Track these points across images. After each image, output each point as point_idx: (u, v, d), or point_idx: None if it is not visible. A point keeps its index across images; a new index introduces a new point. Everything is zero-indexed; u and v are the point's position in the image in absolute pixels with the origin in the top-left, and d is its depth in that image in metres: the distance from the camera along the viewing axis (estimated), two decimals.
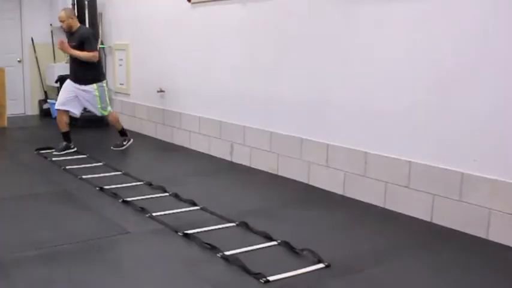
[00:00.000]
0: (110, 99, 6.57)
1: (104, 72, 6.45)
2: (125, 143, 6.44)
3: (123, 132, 6.48)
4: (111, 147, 6.36)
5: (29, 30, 9.19)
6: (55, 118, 8.86)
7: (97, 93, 6.08)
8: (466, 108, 3.66)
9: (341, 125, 4.58)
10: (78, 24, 6.17)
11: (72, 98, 6.11)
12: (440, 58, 3.79)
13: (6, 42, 9.07)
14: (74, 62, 6.09)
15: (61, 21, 6.06)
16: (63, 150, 6.15)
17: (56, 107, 6.20)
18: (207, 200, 4.31)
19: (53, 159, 5.85)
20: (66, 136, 6.30)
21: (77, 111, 6.28)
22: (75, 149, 6.22)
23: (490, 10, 3.51)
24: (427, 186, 3.92)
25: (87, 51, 5.94)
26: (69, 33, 6.09)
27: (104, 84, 6.20)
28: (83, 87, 6.06)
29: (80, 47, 5.94)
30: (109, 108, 6.30)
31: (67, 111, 6.23)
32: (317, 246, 3.31)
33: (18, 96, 9.22)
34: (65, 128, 6.27)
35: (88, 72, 6.03)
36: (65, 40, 6.03)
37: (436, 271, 3.12)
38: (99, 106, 6.18)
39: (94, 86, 6.07)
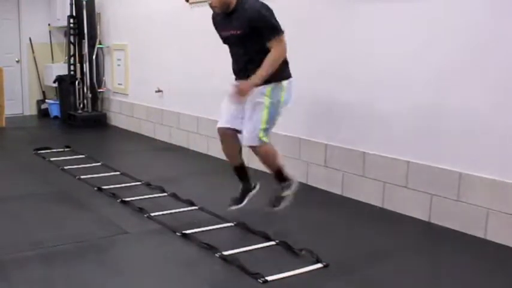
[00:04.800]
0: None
1: (286, 70, 3.73)
2: (284, 194, 3.83)
3: (282, 175, 3.85)
4: (267, 207, 3.84)
5: (27, 30, 9.19)
6: (54, 118, 8.96)
7: (267, 102, 3.59)
8: (464, 108, 3.67)
9: (340, 125, 4.58)
10: None
11: (239, 110, 3.73)
12: (439, 58, 3.80)
13: (4, 43, 9.07)
14: (242, 50, 3.68)
15: None
16: (243, 198, 3.89)
17: (218, 125, 3.87)
18: (205, 200, 4.31)
19: (51, 159, 5.84)
20: (241, 173, 3.93)
21: (238, 121, 3.79)
22: (257, 187, 3.96)
23: (489, 10, 3.52)
24: (426, 186, 3.92)
25: (271, 39, 3.51)
26: (225, 14, 3.62)
27: (284, 94, 3.67)
28: (256, 88, 3.58)
29: (249, 36, 3.53)
30: (268, 136, 3.72)
31: (235, 133, 3.81)
32: (315, 246, 3.31)
33: (16, 97, 9.22)
34: (236, 159, 3.91)
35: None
36: (241, 87, 3.54)
37: (434, 271, 3.13)
38: (262, 126, 3.62)
39: (268, 88, 3.59)
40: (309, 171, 4.87)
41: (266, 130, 3.65)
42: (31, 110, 9.42)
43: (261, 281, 2.90)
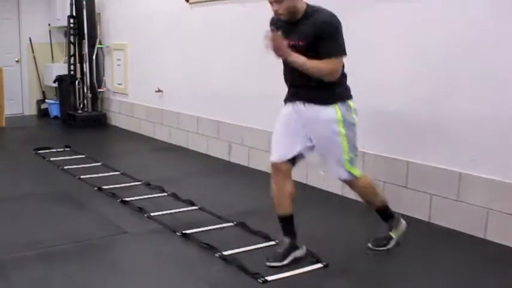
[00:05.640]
0: None
1: (349, 89, 3.19)
2: (393, 235, 3.40)
3: (386, 213, 3.44)
4: (370, 246, 3.40)
5: (27, 30, 9.18)
6: (54, 118, 8.95)
7: (342, 128, 3.09)
8: (464, 107, 3.67)
9: None
10: (305, 5, 3.09)
11: (292, 135, 3.17)
12: (439, 58, 3.80)
13: (4, 42, 9.07)
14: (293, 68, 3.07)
15: (272, 1, 3.05)
16: (286, 256, 3.16)
17: (272, 159, 3.21)
18: (205, 200, 4.31)
19: (51, 159, 5.84)
20: (288, 225, 3.24)
21: (296, 151, 3.17)
22: (304, 250, 3.24)
23: (487, 10, 3.52)
24: (425, 186, 3.92)
25: (328, 57, 3.01)
26: (290, 24, 3.08)
27: (354, 114, 3.15)
28: (315, 109, 3.10)
29: (311, 47, 3.01)
30: (357, 167, 3.24)
31: (289, 165, 3.21)
32: (315, 246, 3.31)
33: (16, 96, 9.21)
34: (285, 206, 3.24)
35: (327, 85, 3.07)
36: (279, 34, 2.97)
37: (434, 271, 3.13)
38: (345, 157, 3.13)
39: (336, 109, 3.09)
40: (309, 171, 4.87)
41: (351, 160, 3.14)
42: (31, 110, 9.42)
43: (261, 281, 2.90)
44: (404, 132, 4.08)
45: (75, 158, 5.91)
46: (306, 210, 4.17)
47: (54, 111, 8.99)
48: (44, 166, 5.62)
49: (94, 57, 8.30)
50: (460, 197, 3.71)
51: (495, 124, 3.51)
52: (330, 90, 3.06)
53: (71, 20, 8.33)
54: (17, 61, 9.25)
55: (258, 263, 3.10)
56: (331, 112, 3.06)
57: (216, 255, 3.24)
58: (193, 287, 2.94)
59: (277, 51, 2.94)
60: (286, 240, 3.19)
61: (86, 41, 8.23)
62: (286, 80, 3.23)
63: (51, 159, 5.84)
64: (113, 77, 8.26)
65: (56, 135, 7.86)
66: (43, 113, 9.23)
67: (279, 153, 3.17)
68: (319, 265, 3.11)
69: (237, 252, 3.27)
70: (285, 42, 2.94)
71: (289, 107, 3.19)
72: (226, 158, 5.88)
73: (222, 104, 5.94)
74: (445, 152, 3.81)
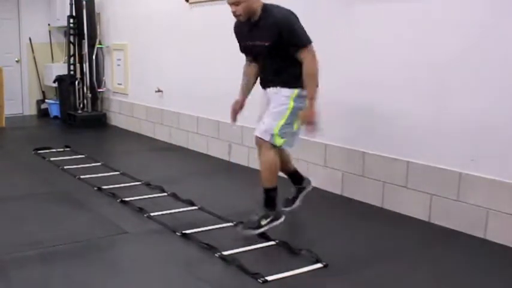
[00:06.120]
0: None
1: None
2: (263, 223, 3.50)
3: (297, 177, 3.97)
4: (282, 208, 3.83)
5: (27, 30, 9.19)
6: (53, 118, 8.95)
7: (292, 102, 3.47)
8: (464, 107, 3.67)
9: (339, 125, 4.58)
10: (261, 4, 3.40)
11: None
12: (439, 57, 3.80)
13: (4, 42, 9.07)
14: (269, 60, 3.55)
15: (232, 2, 3.35)
16: (265, 225, 3.49)
17: (255, 133, 3.59)
18: (205, 200, 4.31)
19: (51, 159, 5.84)
20: (269, 197, 3.55)
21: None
22: (282, 219, 3.60)
23: (488, 9, 3.52)
24: (425, 186, 3.92)
25: (301, 49, 3.40)
26: (250, 24, 3.43)
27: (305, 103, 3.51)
28: (278, 89, 3.55)
29: (278, 46, 3.39)
30: (284, 142, 3.52)
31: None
32: (315, 246, 3.31)
33: (16, 96, 9.22)
34: (287, 167, 3.85)
35: (293, 69, 3.48)
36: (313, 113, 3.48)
37: (434, 271, 3.13)
38: (280, 123, 3.46)
39: (295, 92, 3.49)
40: (309, 171, 4.87)
41: (281, 131, 3.45)
42: (31, 110, 9.42)
43: (261, 281, 2.90)
44: (404, 132, 4.08)
45: (75, 158, 5.91)
46: (306, 210, 4.17)
47: (54, 111, 9.00)
48: (44, 166, 5.62)
49: (94, 57, 8.30)
50: (460, 197, 3.71)
51: (495, 124, 3.51)
52: (294, 80, 3.48)
53: (71, 20, 8.33)
54: (17, 61, 9.25)
55: (258, 263, 3.11)
56: (290, 90, 3.47)
57: (216, 255, 3.24)
58: (193, 287, 2.94)
59: (311, 121, 3.47)
60: (265, 210, 3.51)
61: (85, 41, 8.23)
62: (260, 79, 3.72)
63: (51, 159, 5.84)
64: (113, 77, 8.27)
65: (55, 135, 7.86)
66: (43, 113, 9.23)
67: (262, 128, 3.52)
68: (319, 265, 3.11)
69: (237, 252, 3.27)
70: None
71: (264, 90, 3.68)
72: (226, 158, 5.88)
73: (222, 104, 5.90)
74: (445, 152, 3.81)
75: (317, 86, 3.47)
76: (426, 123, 3.91)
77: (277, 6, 3.41)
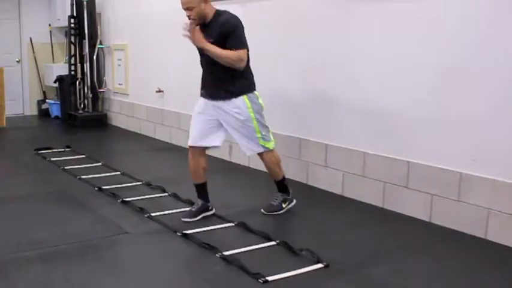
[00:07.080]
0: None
1: (254, 81, 3.92)
2: (284, 206, 4.11)
3: (283, 186, 4.16)
4: (263, 211, 4.08)
5: (27, 30, 9.20)
6: (54, 118, 8.96)
7: (252, 113, 3.82)
8: (464, 107, 3.67)
9: (340, 125, 4.58)
10: (214, 10, 3.79)
11: (211, 127, 3.95)
12: (439, 58, 3.79)
13: (4, 43, 9.08)
14: (211, 67, 3.84)
15: (186, 8, 3.71)
16: (199, 214, 3.95)
17: (189, 143, 4.01)
18: None
19: (52, 159, 5.84)
20: (202, 191, 4.04)
21: (218, 143, 3.98)
22: (213, 211, 4.05)
23: (488, 10, 3.52)
24: (426, 186, 3.92)
25: (234, 48, 3.69)
26: (203, 25, 3.74)
27: (260, 100, 3.91)
28: (227, 103, 3.83)
29: (219, 46, 3.69)
30: (272, 140, 3.99)
31: (204, 150, 4.01)
32: (316, 246, 3.31)
33: (16, 97, 9.22)
34: (200, 177, 4.01)
35: (234, 80, 3.81)
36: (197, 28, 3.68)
37: (434, 271, 3.12)
38: (258, 135, 3.87)
39: (244, 99, 3.81)
40: (309, 171, 4.87)
41: (264, 137, 3.91)
42: (31, 110, 9.43)
43: (262, 281, 2.90)
44: (404, 132, 4.07)
45: (75, 158, 5.91)
46: (306, 210, 4.17)
47: (55, 111, 9.00)
48: (44, 166, 5.62)
49: (95, 57, 8.30)
50: (460, 197, 3.71)
51: (496, 124, 3.51)
52: (238, 85, 3.81)
53: (72, 20, 8.33)
54: (17, 61, 9.26)
55: (259, 263, 3.10)
56: (241, 102, 3.81)
57: (216, 255, 3.24)
58: (193, 287, 2.94)
59: (195, 40, 3.66)
60: (200, 202, 3.99)
61: (86, 41, 8.24)
62: (202, 81, 4.03)
63: (52, 159, 5.84)
64: (114, 77, 8.27)
65: (56, 135, 7.86)
66: (44, 113, 9.24)
67: (193, 138, 3.96)
68: (319, 265, 3.11)
69: (237, 252, 3.26)
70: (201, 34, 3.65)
71: (205, 100, 3.99)
72: (227, 158, 5.88)
73: None
74: (446, 152, 3.80)
75: (224, 59, 3.68)
76: (427, 123, 3.91)
77: (229, 12, 3.82)
